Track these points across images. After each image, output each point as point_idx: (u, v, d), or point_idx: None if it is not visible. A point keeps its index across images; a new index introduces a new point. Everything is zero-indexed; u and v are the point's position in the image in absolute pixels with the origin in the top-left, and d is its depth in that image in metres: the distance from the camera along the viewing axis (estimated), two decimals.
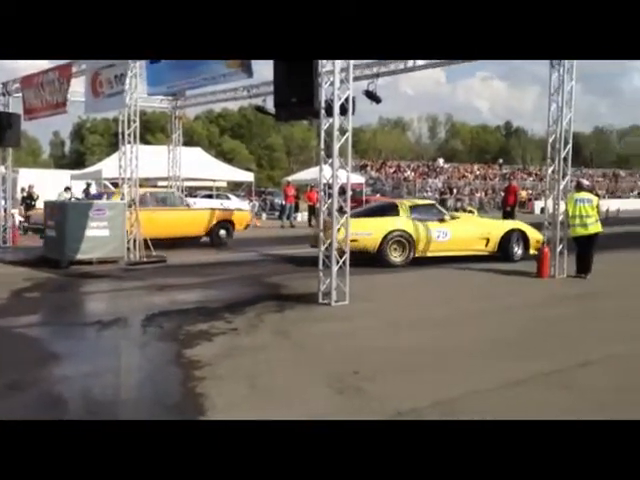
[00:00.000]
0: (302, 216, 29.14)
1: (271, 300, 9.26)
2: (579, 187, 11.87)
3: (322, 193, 9.39)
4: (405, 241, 13.05)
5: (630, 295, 9.94)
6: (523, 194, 39.65)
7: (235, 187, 40.59)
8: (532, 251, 13.49)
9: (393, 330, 7.50)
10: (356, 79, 12.69)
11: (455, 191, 41.97)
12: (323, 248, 9.09)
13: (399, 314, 8.40)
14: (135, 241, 13.57)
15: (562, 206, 11.63)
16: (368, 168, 46.97)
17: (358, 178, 33.93)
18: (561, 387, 5.33)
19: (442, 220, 13.68)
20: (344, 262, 8.99)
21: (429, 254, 13.32)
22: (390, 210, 13.80)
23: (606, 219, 19.39)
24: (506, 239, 13.83)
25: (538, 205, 34.54)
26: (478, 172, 53.53)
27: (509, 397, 5.04)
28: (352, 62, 9.01)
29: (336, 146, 8.85)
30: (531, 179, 52.11)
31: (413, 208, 13.86)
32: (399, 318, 8.13)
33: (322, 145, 9.06)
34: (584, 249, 11.43)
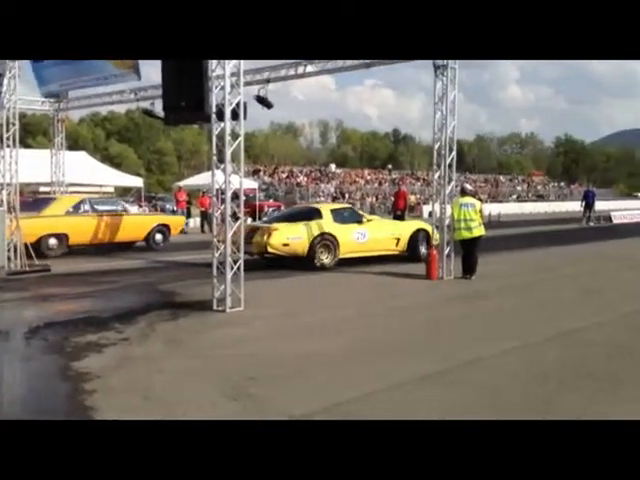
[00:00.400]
0: (194, 222, 28.64)
1: (164, 308, 9.02)
2: (463, 192, 12.40)
3: (214, 199, 9.27)
4: (330, 244, 13.55)
5: (511, 294, 10.48)
6: (412, 198, 40.93)
7: (123, 193, 39.29)
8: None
9: (286, 335, 7.50)
10: (247, 84, 12.64)
11: (347, 196, 42.75)
12: (217, 254, 8.96)
13: (293, 319, 8.41)
14: (16, 249, 12.82)
15: (448, 210, 12.12)
16: (261, 173, 46.91)
17: (251, 183, 33.79)
18: (451, 385, 5.52)
19: (360, 222, 14.26)
20: (239, 268, 8.91)
21: (349, 255, 13.79)
22: (314, 214, 14.09)
23: (489, 223, 20.39)
24: (414, 239, 14.63)
25: (426, 209, 35.79)
26: (369, 177, 54.82)
27: (400, 397, 5.15)
28: (243, 67, 8.95)
29: (228, 151, 8.76)
30: (419, 184, 53.94)
31: (334, 212, 14.30)
32: (293, 323, 8.15)
33: (214, 150, 8.94)
34: (469, 251, 11.95)
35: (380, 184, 52.48)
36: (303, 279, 12.21)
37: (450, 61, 11.69)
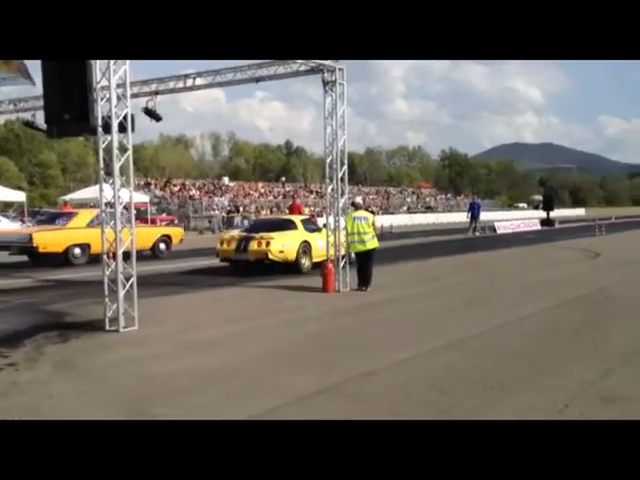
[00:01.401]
0: None
1: (53, 330, 8.55)
2: (355, 206, 12.62)
3: (103, 214, 8.93)
4: (308, 250, 15.30)
5: (405, 305, 10.76)
6: (306, 211, 41.30)
7: (5, 208, 37.21)
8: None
9: (182, 353, 7.32)
10: (134, 96, 12.33)
11: (242, 209, 42.51)
12: (108, 271, 8.63)
13: (189, 336, 8.21)
14: None
15: (342, 222, 12.30)
16: (152, 186, 45.78)
17: (142, 197, 32.90)
18: (350, 397, 5.57)
19: (319, 231, 15.76)
20: (131, 285, 8.61)
21: (315, 260, 15.19)
22: (290, 224, 16.03)
23: (382, 234, 20.91)
24: None
25: (321, 221, 36.17)
26: (263, 190, 54.80)
27: (304, 412, 5.14)
28: (129, 78, 8.69)
29: (116, 165, 8.46)
30: (313, 196, 54.52)
31: (303, 222, 16.33)
32: (187, 340, 7.94)
33: (101, 164, 8.61)
34: (364, 264, 12.17)
35: (274, 197, 52.60)
36: (195, 295, 12.00)
37: (338, 77, 11.92)
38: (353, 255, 12.49)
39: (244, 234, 15.87)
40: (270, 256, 14.68)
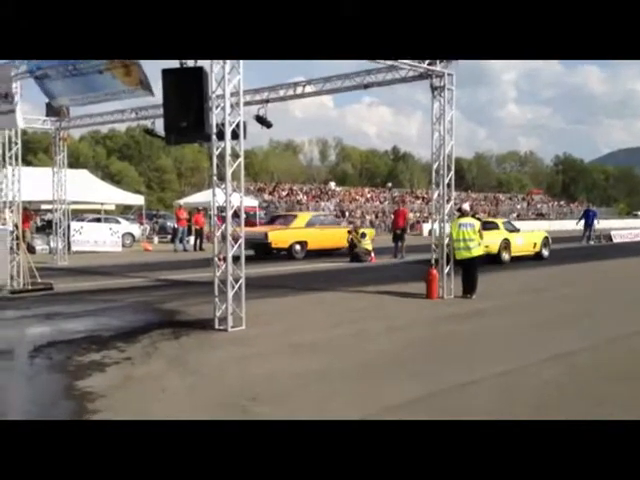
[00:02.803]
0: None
1: (166, 327, 9.04)
2: (461, 212, 12.46)
3: (215, 218, 9.33)
4: (507, 246, 19.12)
5: (510, 314, 10.50)
6: (411, 217, 41.05)
7: (125, 210, 39.43)
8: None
9: (288, 354, 7.52)
10: (247, 104, 12.78)
11: (347, 214, 42.86)
12: (219, 273, 9.00)
13: (294, 338, 8.43)
14: (19, 267, 12.86)
15: (447, 228, 12.17)
16: (261, 191, 47.06)
17: (251, 201, 33.91)
18: (442, 410, 5.53)
19: (517, 231, 20.30)
20: (240, 287, 8.94)
21: (513, 254, 19.18)
22: (493, 225, 19.77)
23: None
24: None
25: (426, 227, 35.86)
26: (369, 195, 54.96)
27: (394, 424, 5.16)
28: (242, 87, 9.04)
29: (229, 171, 8.82)
30: (419, 202, 54.06)
31: (503, 223, 20.62)
32: (294, 342, 8.16)
33: (214, 170, 9.01)
34: (468, 271, 11.98)
35: (380, 202, 52.62)
36: (300, 297, 12.24)
37: (447, 82, 11.82)
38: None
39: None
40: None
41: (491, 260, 17.91)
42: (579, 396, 5.81)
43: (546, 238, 21.38)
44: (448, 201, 12.19)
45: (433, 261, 12.28)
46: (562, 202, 75.67)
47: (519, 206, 66.74)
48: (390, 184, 64.00)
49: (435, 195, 12.40)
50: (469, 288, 11.97)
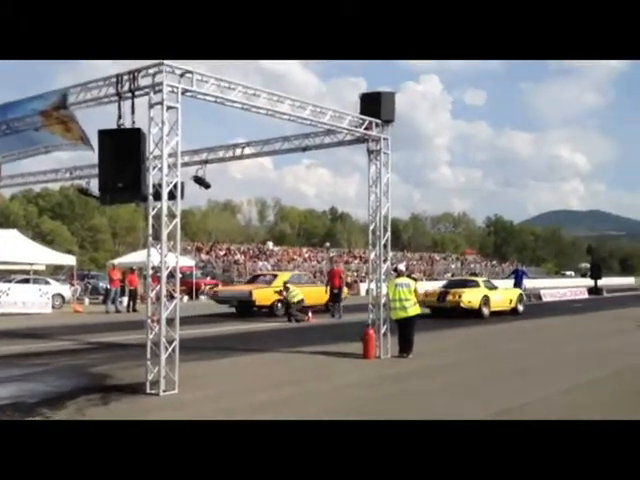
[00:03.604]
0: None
1: (95, 392, 8.70)
2: (397, 272, 12.65)
3: (149, 279, 9.16)
4: (487, 302, 21.46)
5: (444, 373, 10.59)
6: (348, 276, 41.26)
7: (55, 270, 38.23)
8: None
9: (219, 419, 7.32)
10: (185, 165, 12.80)
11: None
12: (151, 334, 8.77)
13: (229, 402, 8.21)
14: None
15: (384, 288, 12.30)
16: (197, 251, 46.62)
17: (188, 261, 33.49)
18: None
19: (495, 288, 22.91)
20: (173, 349, 8.72)
21: (492, 309, 21.46)
22: (474, 283, 23.00)
23: (424, 301, 20.73)
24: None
25: (363, 287, 36.13)
26: (307, 255, 55.17)
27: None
28: (180, 148, 9.05)
29: (165, 231, 8.72)
30: (356, 261, 54.57)
31: (483, 282, 23.53)
32: (229, 406, 7.94)
33: (150, 230, 8.90)
34: (405, 330, 12.07)
35: (318, 262, 52.89)
36: (236, 359, 12.04)
37: (383, 146, 12.16)
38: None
39: (442, 289, 22.76)
40: (462, 305, 20.89)
41: (473, 315, 20.41)
42: None
43: (520, 295, 23.95)
44: (385, 261, 12.37)
45: (370, 321, 12.34)
46: (494, 262, 77.77)
47: (453, 266, 68.19)
48: (328, 244, 64.50)
49: (372, 255, 12.57)
50: (405, 347, 12.04)
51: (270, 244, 57.17)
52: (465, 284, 23.24)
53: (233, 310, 22.97)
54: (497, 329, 18.20)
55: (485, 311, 21.18)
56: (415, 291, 12.28)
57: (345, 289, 25.29)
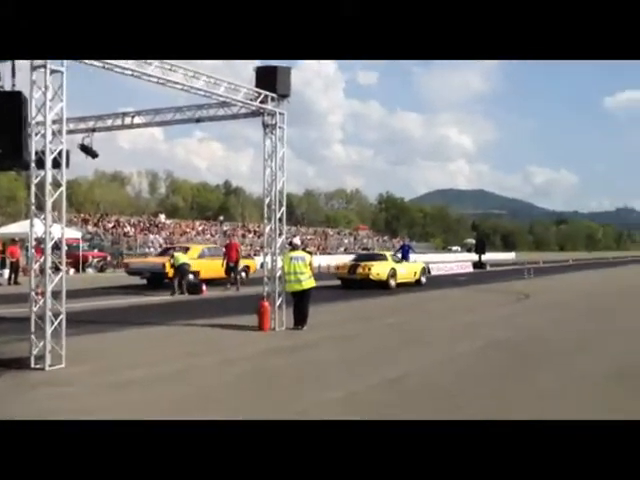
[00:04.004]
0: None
1: None
2: (292, 246, 12.74)
3: (33, 250, 8.72)
4: (394, 274, 23.27)
5: (339, 344, 10.83)
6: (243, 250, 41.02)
7: None
8: None
9: (109, 393, 7.14)
10: (70, 132, 12.21)
11: (177, 247, 41.96)
12: (36, 307, 8.38)
13: (115, 376, 7.98)
14: None
15: (279, 262, 12.36)
16: (84, 222, 44.77)
17: (74, 233, 32.15)
18: None
19: (401, 261, 25.07)
20: (60, 323, 8.38)
21: (398, 281, 23.34)
22: (382, 257, 24.75)
23: (319, 274, 21.04)
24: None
25: (258, 261, 36.06)
26: (200, 228, 54.37)
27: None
28: (65, 114, 8.60)
29: (49, 201, 8.30)
30: (251, 236, 54.41)
31: (391, 255, 25.54)
32: (114, 380, 7.74)
33: (32, 199, 8.44)
34: (300, 303, 12.21)
35: (212, 235, 52.25)
36: (127, 333, 11.74)
37: (279, 121, 12.12)
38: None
39: (353, 262, 24.05)
40: (371, 277, 22.34)
41: (381, 286, 22.02)
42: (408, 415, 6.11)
43: (424, 268, 26.06)
44: (280, 235, 12.41)
45: (265, 294, 12.39)
46: (385, 237, 79.95)
47: (346, 241, 69.51)
48: (222, 217, 63.84)
49: (267, 229, 12.57)
50: (300, 320, 12.20)
51: (162, 217, 55.85)
52: (374, 258, 24.71)
53: (131, 282, 22.66)
54: (378, 302, 18.74)
55: (392, 283, 22.73)
56: (310, 264, 12.42)
57: (253, 262, 25.92)
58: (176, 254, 20.51)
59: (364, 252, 30.39)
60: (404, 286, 23.32)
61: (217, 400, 6.90)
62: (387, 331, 12.51)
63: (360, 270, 22.87)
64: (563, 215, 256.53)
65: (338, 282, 23.75)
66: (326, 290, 21.63)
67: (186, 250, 23.34)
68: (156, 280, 22.09)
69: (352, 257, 27.83)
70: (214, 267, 22.38)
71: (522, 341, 11.23)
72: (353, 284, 22.52)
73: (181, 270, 19.83)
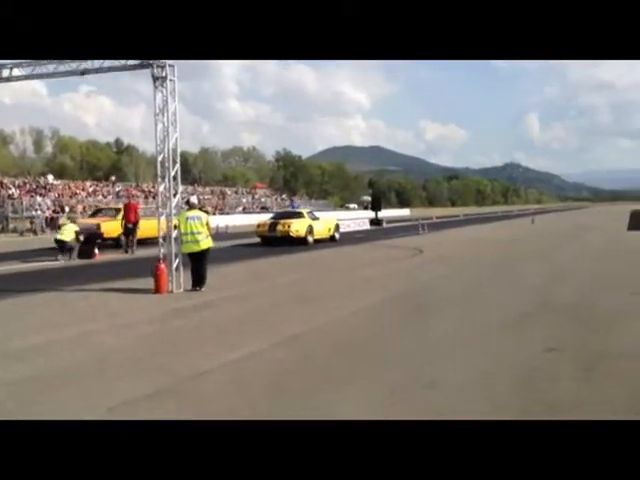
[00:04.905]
0: None
1: None
2: (189, 205, 12.43)
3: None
4: (311, 231, 24.60)
5: (242, 302, 10.76)
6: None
7: None
8: None
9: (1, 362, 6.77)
10: None
11: (67, 209, 40.14)
12: None
13: (4, 344, 7.56)
14: None
15: (174, 223, 12.04)
16: None
17: None
18: (184, 397, 5.46)
19: (318, 219, 26.22)
20: None
21: (315, 237, 24.58)
22: (300, 215, 26.00)
23: (217, 234, 20.77)
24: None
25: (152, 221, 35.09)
26: (91, 189, 52.15)
27: (137, 413, 4.94)
28: None
29: None
30: (144, 196, 52.77)
31: (308, 213, 26.50)
32: (3, 349, 7.34)
33: None
34: (198, 263, 11.98)
35: (104, 196, 50.29)
36: (17, 300, 11.11)
37: (169, 73, 11.65)
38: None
39: (272, 220, 25.14)
40: (291, 234, 23.50)
41: (299, 243, 23.18)
42: (306, 374, 6.15)
43: (337, 225, 27.22)
44: (175, 195, 12.05)
45: (161, 255, 12.06)
46: (284, 196, 79.99)
47: (244, 200, 68.97)
48: (114, 177, 61.47)
49: (161, 188, 12.17)
50: (198, 281, 11.99)
51: (50, 177, 52.95)
52: (292, 216, 25.86)
53: None
54: (277, 261, 18.79)
55: (310, 239, 24.04)
56: (207, 224, 12.18)
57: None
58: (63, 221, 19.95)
59: (281, 211, 31.03)
60: (320, 242, 24.36)
61: (116, 363, 6.66)
62: (284, 289, 12.54)
63: (280, 227, 23.94)
64: (453, 171, 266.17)
65: (250, 241, 24.88)
66: (246, 248, 22.63)
67: (117, 211, 24.02)
68: (91, 240, 21.56)
69: (270, 216, 28.58)
70: (150, 227, 21.94)
71: (417, 293, 11.58)
72: (273, 241, 23.52)
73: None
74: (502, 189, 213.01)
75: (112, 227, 22.62)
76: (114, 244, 22.53)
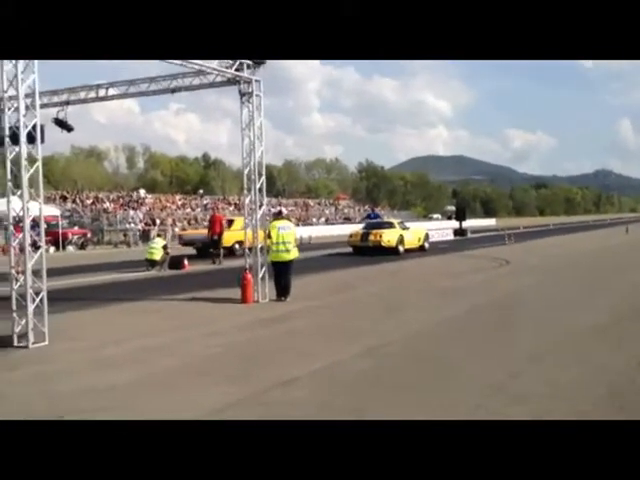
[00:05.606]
0: None
1: None
2: (280, 216, 12.65)
3: (12, 228, 8.59)
4: (402, 241, 25.30)
5: (327, 313, 10.86)
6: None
7: None
8: None
9: (92, 370, 7.10)
10: (44, 106, 11.98)
11: (158, 222, 41.71)
12: (16, 285, 8.29)
13: (100, 352, 7.95)
14: None
15: (260, 234, 12.31)
16: (60, 199, 44.23)
17: (52, 210, 31.78)
18: (269, 405, 5.58)
19: (408, 229, 26.73)
20: (41, 300, 8.31)
21: (406, 247, 25.11)
22: (391, 225, 26.74)
23: (301, 245, 21.05)
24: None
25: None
26: (180, 202, 53.98)
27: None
28: (38, 88, 8.43)
29: (25, 177, 8.17)
30: (231, 208, 54.13)
31: (398, 223, 27.30)
32: (99, 356, 7.71)
33: (9, 176, 8.30)
34: (282, 274, 12.18)
35: (192, 209, 51.93)
36: (112, 309, 11.66)
37: (255, 88, 11.97)
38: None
39: (364, 231, 25.94)
40: (382, 243, 24.27)
41: (390, 252, 23.86)
42: (388, 384, 6.16)
43: (427, 234, 27.86)
44: (260, 206, 12.34)
45: (247, 266, 12.35)
46: (366, 207, 79.95)
47: (327, 211, 69.48)
48: (202, 191, 63.38)
49: (247, 200, 12.49)
50: (283, 291, 12.18)
51: (142, 192, 55.23)
52: (382, 226, 26.61)
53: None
54: (363, 271, 18.80)
55: (401, 248, 24.69)
56: (294, 234, 12.40)
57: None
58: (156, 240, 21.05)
59: (372, 221, 31.15)
60: (410, 252, 24.85)
61: (204, 371, 6.90)
62: (370, 300, 12.55)
63: (372, 237, 24.74)
64: (542, 180, 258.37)
65: (339, 250, 26.24)
66: (338, 257, 23.50)
67: (230, 222, 25.38)
68: (206, 250, 23.62)
69: (361, 227, 29.04)
70: (235, 237, 23.85)
71: (504, 304, 11.35)
72: (365, 251, 24.20)
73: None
74: (593, 197, 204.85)
75: (226, 237, 23.62)
76: (204, 254, 23.37)
